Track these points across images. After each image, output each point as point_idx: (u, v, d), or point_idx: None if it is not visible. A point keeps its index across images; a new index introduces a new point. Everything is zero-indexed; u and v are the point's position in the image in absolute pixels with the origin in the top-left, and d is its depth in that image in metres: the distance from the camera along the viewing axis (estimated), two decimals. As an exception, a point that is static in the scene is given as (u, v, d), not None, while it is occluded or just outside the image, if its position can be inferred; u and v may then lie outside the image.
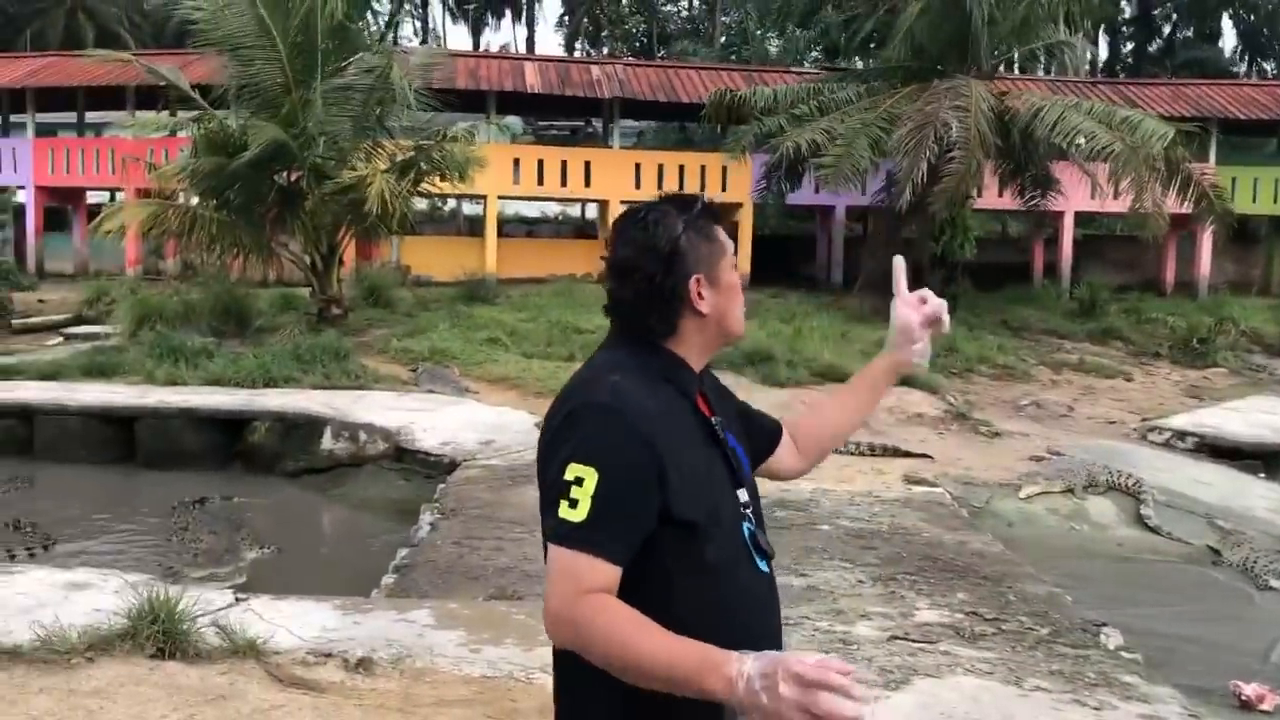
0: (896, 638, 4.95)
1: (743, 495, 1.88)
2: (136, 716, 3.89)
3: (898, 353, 2.20)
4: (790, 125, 18.80)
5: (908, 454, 9.82)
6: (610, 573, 1.67)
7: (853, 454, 9.71)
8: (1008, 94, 18.77)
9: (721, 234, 1.91)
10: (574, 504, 1.67)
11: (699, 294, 1.84)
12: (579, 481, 1.67)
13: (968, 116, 16.73)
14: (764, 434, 2.12)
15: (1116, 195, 17.00)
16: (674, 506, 1.71)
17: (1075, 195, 21.63)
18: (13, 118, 28.89)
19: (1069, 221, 24.71)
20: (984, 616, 5.33)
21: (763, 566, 1.86)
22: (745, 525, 1.85)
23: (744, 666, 1.51)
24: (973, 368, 14.48)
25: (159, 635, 4.39)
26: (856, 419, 2.27)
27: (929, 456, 9.82)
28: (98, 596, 5.05)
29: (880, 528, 7.13)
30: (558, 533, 1.68)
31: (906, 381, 12.73)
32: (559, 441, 1.73)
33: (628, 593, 1.68)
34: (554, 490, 1.70)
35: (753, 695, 1.49)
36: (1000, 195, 20.63)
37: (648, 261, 1.82)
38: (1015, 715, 4.08)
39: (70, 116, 29.84)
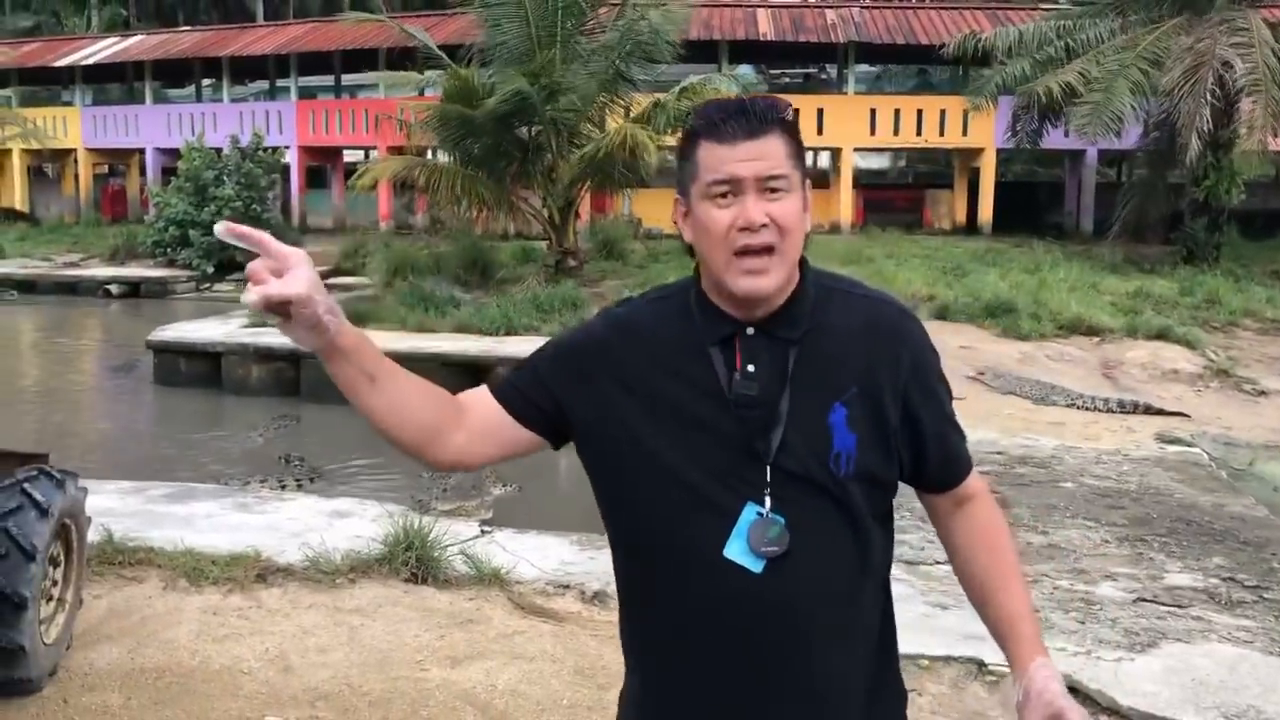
0: (1143, 600, 4.72)
1: (771, 472, 1.51)
2: (393, 634, 4.18)
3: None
4: (1036, 69, 17.87)
5: (1161, 411, 9.26)
6: (479, 392, 1.69)
7: (1100, 411, 9.25)
8: (1285, 22, 17.18)
9: (702, 149, 1.53)
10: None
11: (678, 219, 1.61)
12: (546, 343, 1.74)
13: (1253, 53, 15.37)
14: (937, 464, 1.66)
15: None
16: (576, 409, 1.61)
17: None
18: (278, 83, 31.02)
19: (1355, 162, 22.45)
20: (1243, 583, 5.00)
21: (746, 563, 1.51)
22: (751, 506, 1.51)
23: None
24: (1237, 321, 13.45)
25: (413, 561, 4.70)
26: (971, 595, 1.71)
27: (1185, 415, 9.24)
28: (358, 524, 5.44)
29: (1128, 487, 6.78)
30: None
31: (1161, 335, 12.02)
32: None
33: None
34: None
35: None
36: (1275, 136, 18.98)
37: None
38: (1278, 687, 3.82)
39: (328, 79, 31.76)
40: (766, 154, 1.51)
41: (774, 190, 1.51)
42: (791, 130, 1.55)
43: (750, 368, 1.53)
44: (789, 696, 1.54)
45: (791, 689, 1.54)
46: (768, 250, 1.50)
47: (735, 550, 1.51)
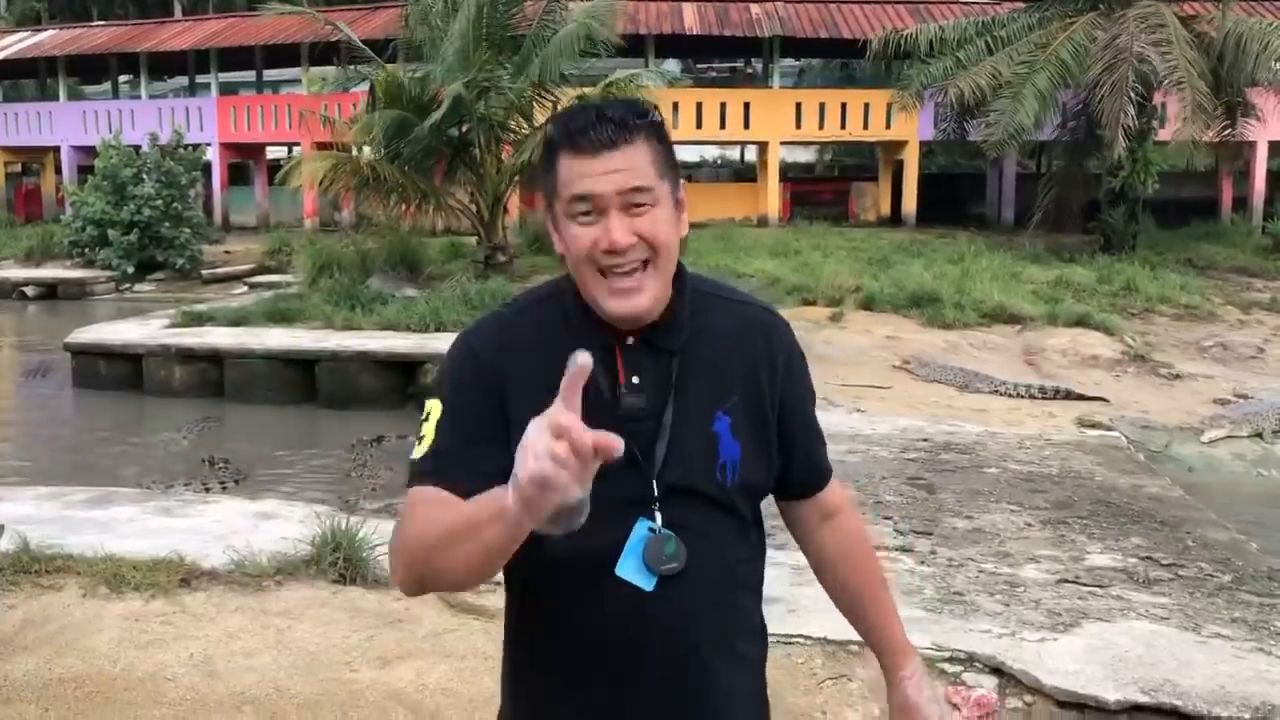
0: (1066, 581, 4.82)
1: (659, 486, 1.46)
2: (321, 636, 4.13)
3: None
4: (957, 66, 18.13)
5: (1081, 396, 9.47)
6: (440, 493, 1.40)
7: (1022, 397, 9.43)
8: (1195, 18, 17.63)
9: (561, 162, 1.42)
10: (419, 440, 1.47)
11: (549, 227, 1.50)
12: (427, 417, 1.48)
13: (1172, 49, 15.74)
14: (801, 469, 1.65)
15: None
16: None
17: (1270, 124, 20.17)
18: (198, 78, 30.42)
19: (1262, 152, 23.19)
20: (1160, 562, 5.13)
21: (639, 581, 1.44)
22: (642, 522, 1.45)
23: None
24: (1153, 308, 13.80)
25: (341, 562, 4.63)
26: (842, 606, 1.75)
27: (1104, 399, 9.46)
28: (285, 525, 5.35)
29: (1050, 471, 6.93)
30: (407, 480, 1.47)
31: (1080, 322, 12.29)
32: None
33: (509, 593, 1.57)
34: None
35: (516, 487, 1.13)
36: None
37: None
38: (1192, 661, 3.93)
39: (250, 75, 31.20)
40: (627, 165, 1.41)
41: (638, 205, 1.42)
42: (658, 133, 1.45)
43: (635, 379, 1.47)
44: (683, 714, 1.50)
45: (686, 706, 1.50)
46: (640, 266, 1.43)
47: (628, 568, 1.45)
